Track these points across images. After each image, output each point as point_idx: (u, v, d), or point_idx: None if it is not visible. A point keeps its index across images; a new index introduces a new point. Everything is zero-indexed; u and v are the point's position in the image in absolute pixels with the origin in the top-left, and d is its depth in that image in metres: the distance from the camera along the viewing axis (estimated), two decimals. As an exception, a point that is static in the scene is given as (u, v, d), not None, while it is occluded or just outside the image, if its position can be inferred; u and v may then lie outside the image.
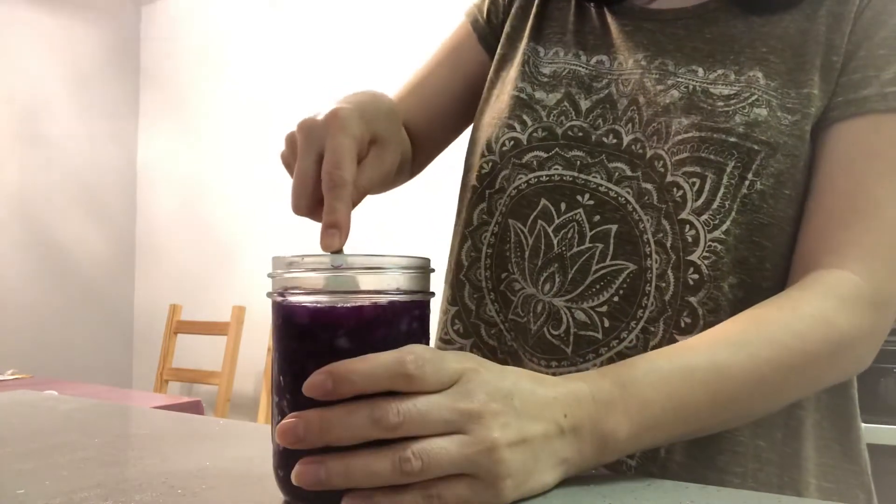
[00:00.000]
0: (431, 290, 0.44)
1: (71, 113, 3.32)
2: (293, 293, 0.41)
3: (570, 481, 0.44)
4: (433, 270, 0.44)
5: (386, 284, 0.41)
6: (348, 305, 0.40)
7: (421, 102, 0.80)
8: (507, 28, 0.77)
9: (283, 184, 3.13)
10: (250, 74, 3.23)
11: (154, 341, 3.22)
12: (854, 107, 0.59)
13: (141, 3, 3.60)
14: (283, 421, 0.38)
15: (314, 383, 0.37)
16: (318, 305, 0.40)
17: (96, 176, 3.42)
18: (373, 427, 0.37)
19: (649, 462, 0.59)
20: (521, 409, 0.41)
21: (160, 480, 0.45)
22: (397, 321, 0.41)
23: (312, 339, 0.40)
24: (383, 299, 0.40)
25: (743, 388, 0.50)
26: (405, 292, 0.41)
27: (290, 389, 0.40)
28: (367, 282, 0.41)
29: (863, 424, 0.65)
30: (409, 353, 0.38)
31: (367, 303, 0.40)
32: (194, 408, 1.95)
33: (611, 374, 0.46)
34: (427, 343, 0.43)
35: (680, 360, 0.49)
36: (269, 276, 0.42)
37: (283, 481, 0.41)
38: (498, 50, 0.77)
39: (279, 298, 0.42)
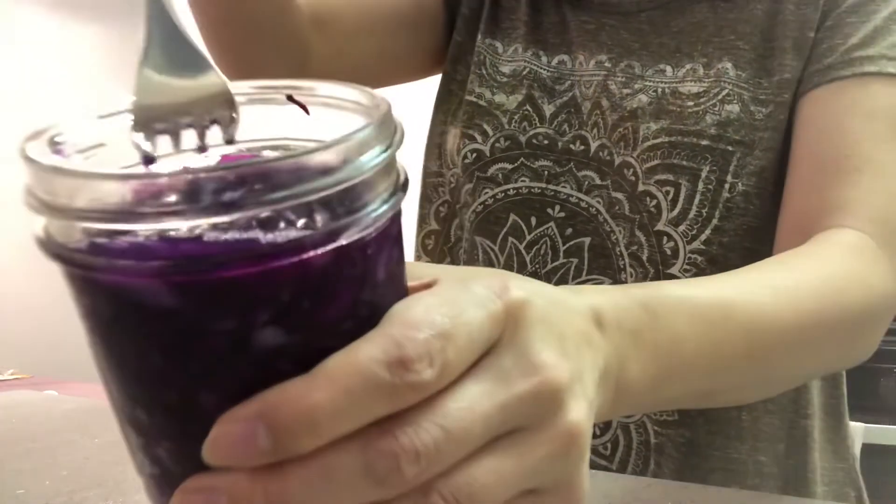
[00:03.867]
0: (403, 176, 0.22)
1: (73, 110, 3.32)
2: (108, 238, 0.18)
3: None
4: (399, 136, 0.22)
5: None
6: (263, 252, 0.18)
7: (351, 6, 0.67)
8: (463, 10, 0.70)
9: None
10: (250, 74, 3.23)
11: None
12: (842, 69, 0.55)
13: (141, 4, 3.61)
14: (180, 491, 0.20)
15: (231, 443, 0.19)
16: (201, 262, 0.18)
17: (96, 176, 3.43)
18: (375, 488, 0.20)
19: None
20: (579, 358, 0.26)
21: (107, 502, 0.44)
22: (366, 262, 0.20)
23: (192, 341, 0.19)
24: (332, 225, 0.19)
25: (781, 342, 0.41)
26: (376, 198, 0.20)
27: (164, 432, 0.21)
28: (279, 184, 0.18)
29: (863, 425, 0.65)
30: (410, 328, 0.20)
31: (299, 236, 0.18)
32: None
33: (637, 296, 0.33)
34: (403, 279, 0.23)
35: (717, 293, 0.38)
36: (29, 204, 0.20)
37: None
38: (454, 35, 0.70)
39: (82, 257, 0.19)
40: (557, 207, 0.61)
